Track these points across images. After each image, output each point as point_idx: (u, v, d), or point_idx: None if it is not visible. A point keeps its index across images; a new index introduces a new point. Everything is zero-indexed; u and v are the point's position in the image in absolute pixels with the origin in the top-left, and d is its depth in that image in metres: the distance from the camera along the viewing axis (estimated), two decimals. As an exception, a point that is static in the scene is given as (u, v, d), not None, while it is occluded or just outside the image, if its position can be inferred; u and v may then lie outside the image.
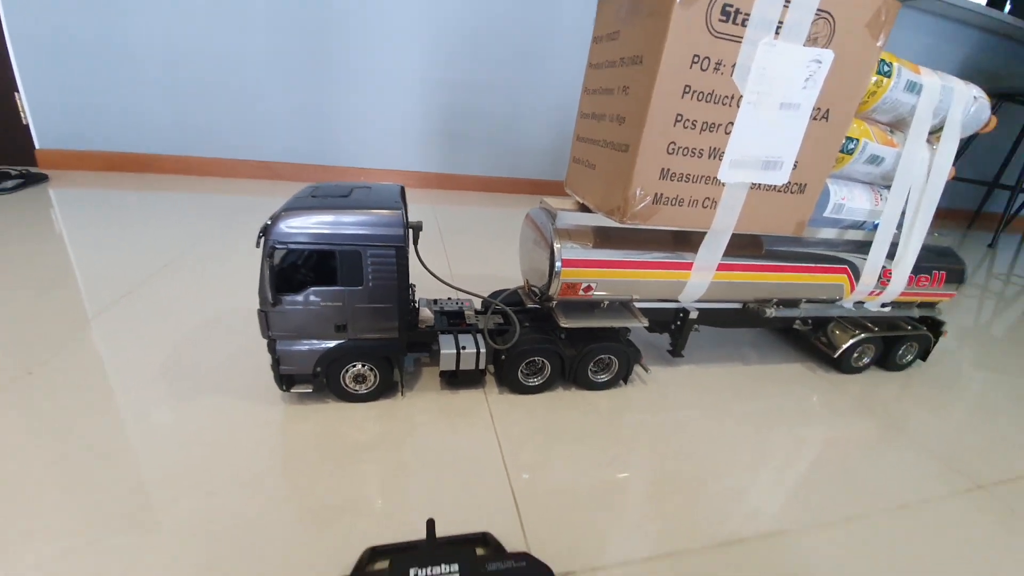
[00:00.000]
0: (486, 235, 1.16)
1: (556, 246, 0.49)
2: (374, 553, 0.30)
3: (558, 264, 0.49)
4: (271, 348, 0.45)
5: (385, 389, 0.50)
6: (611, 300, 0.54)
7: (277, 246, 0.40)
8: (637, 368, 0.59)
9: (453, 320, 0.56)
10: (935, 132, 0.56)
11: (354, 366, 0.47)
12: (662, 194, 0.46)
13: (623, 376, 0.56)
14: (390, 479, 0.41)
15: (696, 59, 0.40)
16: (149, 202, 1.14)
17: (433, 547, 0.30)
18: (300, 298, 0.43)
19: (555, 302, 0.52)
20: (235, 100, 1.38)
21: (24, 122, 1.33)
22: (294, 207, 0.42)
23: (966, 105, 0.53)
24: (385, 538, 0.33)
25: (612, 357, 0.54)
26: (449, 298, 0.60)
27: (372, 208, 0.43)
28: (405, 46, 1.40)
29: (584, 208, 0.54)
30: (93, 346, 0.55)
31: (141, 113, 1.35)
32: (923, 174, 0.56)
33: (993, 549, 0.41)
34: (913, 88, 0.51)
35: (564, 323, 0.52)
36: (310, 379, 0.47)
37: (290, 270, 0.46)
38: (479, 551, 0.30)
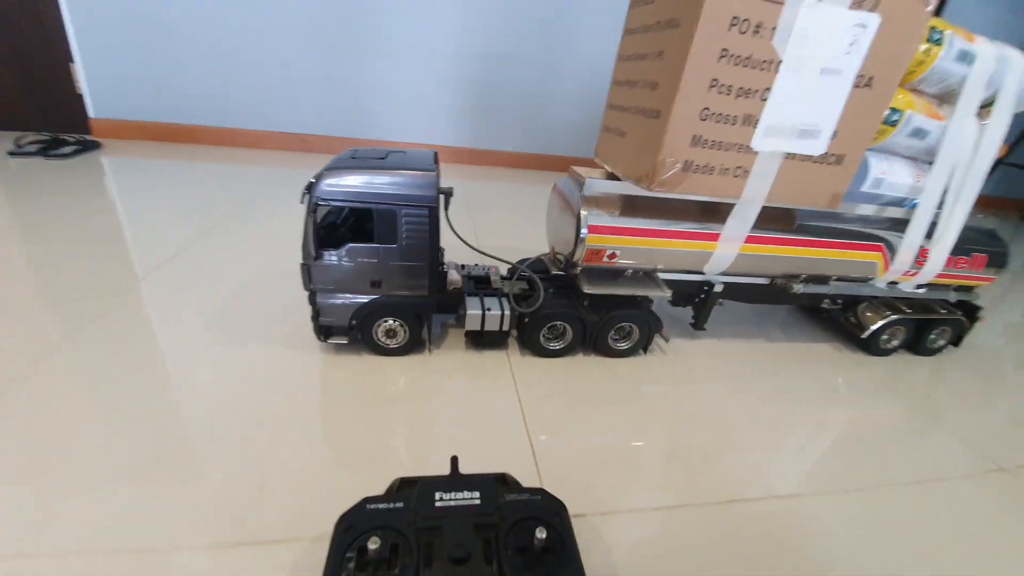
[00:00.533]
0: (514, 209, 1.17)
1: (583, 212, 0.50)
2: (403, 482, 0.33)
3: (584, 230, 0.50)
4: (312, 300, 0.48)
5: (414, 345, 0.53)
6: (636, 269, 0.55)
7: (320, 203, 0.43)
8: (657, 339, 0.60)
9: (480, 284, 0.58)
10: (986, 106, 0.53)
11: (386, 321, 0.50)
12: (692, 162, 0.46)
13: (643, 345, 0.57)
14: (417, 426, 0.43)
15: (735, 21, 0.40)
16: (194, 171, 1.20)
17: (457, 479, 0.32)
18: (339, 254, 0.46)
19: (580, 268, 0.53)
20: (274, 73, 1.41)
21: (78, 91, 1.40)
22: (335, 167, 0.44)
23: (1021, 79, 0.51)
24: (412, 473, 0.36)
25: (633, 325, 0.56)
26: (476, 264, 0.62)
27: (408, 170, 0.45)
28: (438, 19, 1.40)
29: (613, 177, 0.54)
30: (145, 301, 0.59)
31: (186, 86, 1.40)
32: (970, 150, 0.54)
33: (1005, 529, 0.41)
34: (965, 58, 0.49)
35: (587, 289, 0.53)
36: (346, 331, 0.50)
37: (330, 227, 0.49)
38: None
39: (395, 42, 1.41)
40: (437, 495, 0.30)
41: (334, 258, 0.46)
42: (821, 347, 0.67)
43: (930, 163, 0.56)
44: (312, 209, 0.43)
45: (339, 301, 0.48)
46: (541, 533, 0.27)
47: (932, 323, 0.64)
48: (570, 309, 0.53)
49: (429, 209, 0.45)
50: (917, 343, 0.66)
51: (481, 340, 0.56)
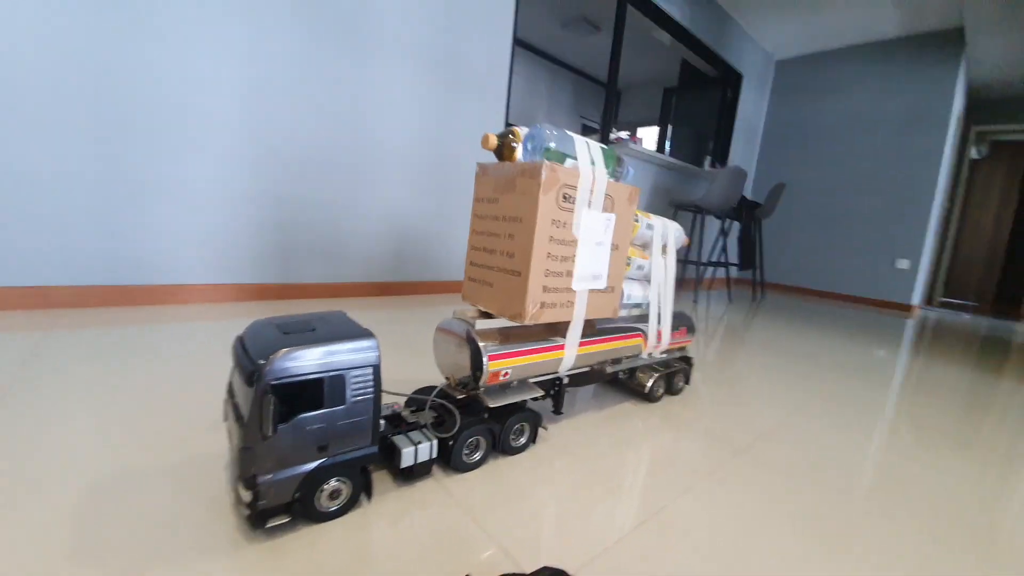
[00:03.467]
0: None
1: (482, 345, 0.65)
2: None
3: (486, 359, 0.65)
4: (251, 484, 0.46)
5: (353, 503, 0.55)
6: (517, 380, 0.72)
7: (276, 382, 0.46)
8: (540, 430, 0.77)
9: (394, 423, 0.64)
10: (664, 248, 0.97)
11: (329, 483, 0.52)
12: (544, 302, 0.69)
13: (532, 438, 0.74)
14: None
15: (554, 221, 0.67)
16: None
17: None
18: (289, 426, 0.47)
19: (483, 389, 0.67)
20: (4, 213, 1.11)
21: None
22: (278, 346, 0.48)
23: (676, 234, 0.96)
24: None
25: (525, 423, 0.72)
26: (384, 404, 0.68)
27: (347, 338, 0.52)
28: (229, 158, 1.41)
29: (484, 314, 0.73)
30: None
31: None
32: (663, 272, 0.96)
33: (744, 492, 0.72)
34: (650, 227, 0.91)
35: (492, 404, 0.67)
36: (285, 508, 0.49)
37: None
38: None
39: (173, 177, 1.33)
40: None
41: (285, 431, 0.47)
42: (624, 405, 0.97)
43: (648, 281, 0.95)
44: (267, 391, 0.45)
45: (283, 476, 0.48)
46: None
47: (676, 372, 1.03)
48: (481, 423, 0.66)
49: (373, 368, 0.52)
50: (670, 388, 1.04)
51: (413, 473, 0.61)
